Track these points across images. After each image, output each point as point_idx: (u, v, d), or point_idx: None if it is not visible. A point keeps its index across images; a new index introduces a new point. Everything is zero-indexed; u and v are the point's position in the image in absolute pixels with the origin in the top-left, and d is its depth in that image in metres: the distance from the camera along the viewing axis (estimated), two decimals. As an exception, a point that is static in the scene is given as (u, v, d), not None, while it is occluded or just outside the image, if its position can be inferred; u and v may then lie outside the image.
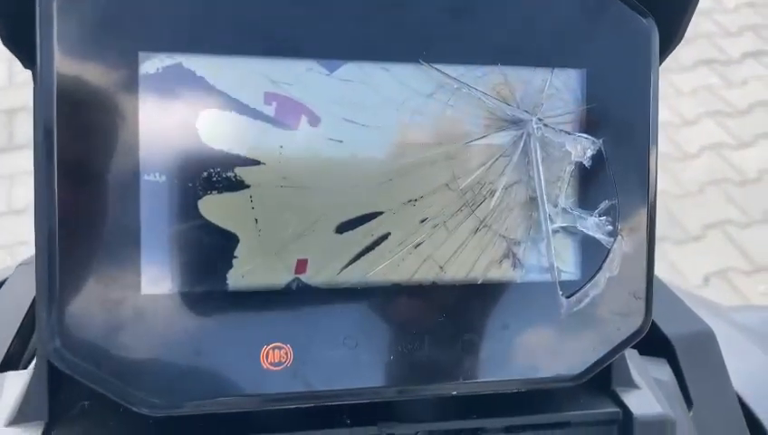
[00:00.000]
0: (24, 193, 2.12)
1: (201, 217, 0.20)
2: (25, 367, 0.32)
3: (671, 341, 0.31)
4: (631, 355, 0.28)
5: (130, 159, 0.20)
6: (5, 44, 0.24)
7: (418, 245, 0.21)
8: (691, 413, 0.30)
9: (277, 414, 0.22)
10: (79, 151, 0.21)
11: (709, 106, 2.49)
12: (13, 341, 0.30)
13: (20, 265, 0.35)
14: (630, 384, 0.26)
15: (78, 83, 0.20)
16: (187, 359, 0.20)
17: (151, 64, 0.20)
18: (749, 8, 2.95)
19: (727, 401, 0.31)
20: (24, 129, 2.31)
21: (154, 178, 0.20)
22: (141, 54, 0.20)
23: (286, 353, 0.21)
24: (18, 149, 2.26)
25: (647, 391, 0.26)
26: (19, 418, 0.22)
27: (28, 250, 1.98)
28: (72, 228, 0.21)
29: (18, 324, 0.31)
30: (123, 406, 0.21)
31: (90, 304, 0.21)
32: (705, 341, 0.31)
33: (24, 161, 2.21)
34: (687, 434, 0.28)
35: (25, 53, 0.24)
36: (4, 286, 0.34)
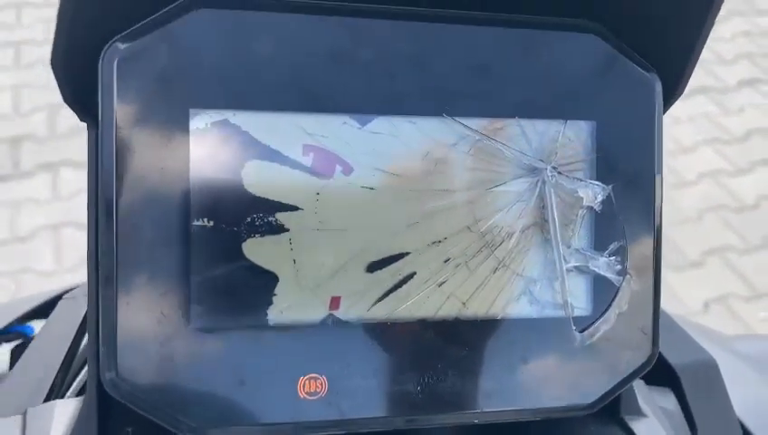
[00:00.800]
0: (28, 221, 2.13)
1: (245, 258, 0.22)
2: (63, 396, 0.33)
3: (676, 371, 0.32)
4: (638, 385, 0.29)
5: (182, 207, 0.22)
6: (65, 101, 0.26)
7: (442, 283, 0.23)
8: None
9: None
10: (135, 199, 0.23)
11: (707, 134, 2.52)
12: (58, 371, 0.32)
13: (65, 298, 0.37)
14: (638, 413, 0.27)
15: (135, 137, 0.22)
16: (231, 388, 0.22)
17: (201, 120, 0.22)
18: (744, 37, 2.99)
19: (730, 429, 0.32)
20: (29, 157, 2.33)
21: (202, 224, 0.22)
22: (192, 111, 0.22)
23: (321, 384, 0.22)
24: (23, 178, 2.27)
25: (653, 420, 0.27)
26: None
27: (32, 278, 1.98)
28: (129, 269, 0.23)
29: (63, 357, 0.33)
30: (169, 432, 0.22)
31: (142, 339, 0.22)
32: (709, 370, 0.33)
33: (29, 190, 2.23)
34: None
35: (81, 107, 0.26)
36: (49, 319, 0.35)
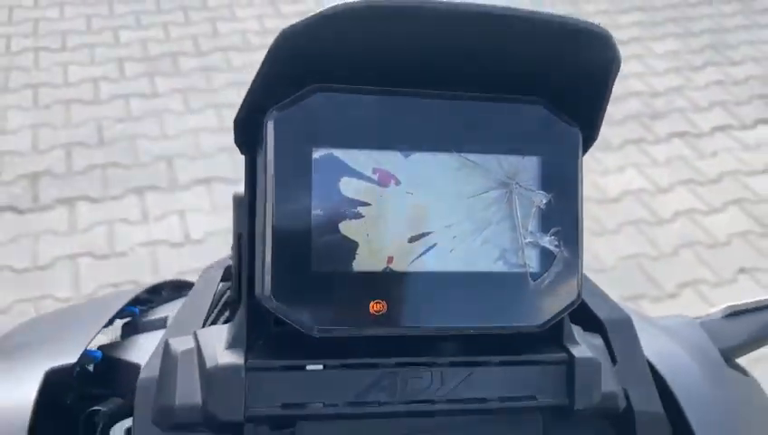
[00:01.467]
0: (47, 251, 2.26)
1: (340, 232, 0.37)
2: None
3: (602, 321, 0.47)
4: (576, 329, 0.44)
5: (306, 200, 0.37)
6: (235, 141, 0.40)
7: (452, 250, 0.38)
8: (615, 368, 0.46)
9: (374, 341, 0.38)
10: (288, 209, 0.37)
11: (682, 175, 2.69)
12: (208, 314, 0.45)
13: (205, 269, 0.50)
14: (574, 342, 0.42)
15: (284, 170, 0.37)
16: (335, 304, 0.36)
17: (317, 153, 0.37)
18: (718, 86, 3.19)
19: (640, 361, 0.47)
20: (47, 192, 2.47)
21: (318, 213, 0.37)
22: (314, 149, 0.37)
23: (383, 306, 0.37)
24: (42, 211, 2.41)
25: (584, 347, 0.42)
26: (228, 346, 0.38)
27: (51, 303, 2.09)
28: (282, 238, 0.37)
29: (207, 308, 0.46)
30: (296, 333, 0.37)
31: (283, 272, 0.37)
32: (625, 322, 0.48)
33: (47, 222, 2.36)
34: (611, 377, 0.44)
35: (244, 147, 0.40)
36: (196, 284, 0.48)
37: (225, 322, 0.45)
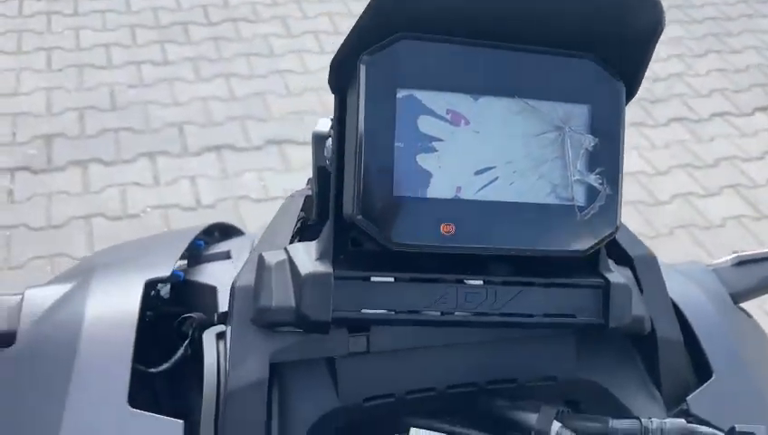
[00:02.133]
0: (62, 210, 2.32)
1: (417, 163, 0.43)
2: None
3: (632, 257, 0.54)
4: (609, 261, 0.50)
5: (389, 133, 0.43)
6: (329, 81, 0.46)
7: (512, 183, 0.45)
8: (641, 297, 0.53)
9: (439, 260, 0.45)
10: (375, 142, 0.43)
11: (680, 159, 2.76)
12: (293, 235, 0.51)
13: (287, 199, 0.56)
14: (609, 270, 0.49)
15: (372, 107, 0.43)
16: (412, 224, 0.43)
17: (400, 93, 0.43)
18: (718, 72, 3.26)
19: (663, 294, 0.54)
20: (60, 154, 2.52)
21: (399, 144, 0.43)
22: (398, 89, 0.43)
23: (452, 228, 0.44)
24: (55, 171, 2.46)
25: (618, 274, 0.49)
26: (317, 258, 0.44)
27: (67, 261, 2.15)
28: (369, 166, 0.43)
29: (291, 230, 0.52)
30: (371, 252, 0.43)
31: (369, 195, 0.43)
32: (652, 259, 0.54)
33: (61, 183, 2.42)
34: (639, 304, 0.50)
35: (338, 88, 0.45)
36: (279, 211, 0.54)
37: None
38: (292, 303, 0.44)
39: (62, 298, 0.51)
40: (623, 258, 0.53)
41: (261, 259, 0.47)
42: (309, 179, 0.55)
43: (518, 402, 0.49)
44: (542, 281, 0.47)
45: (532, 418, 0.47)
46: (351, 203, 0.43)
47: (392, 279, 0.45)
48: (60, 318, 0.50)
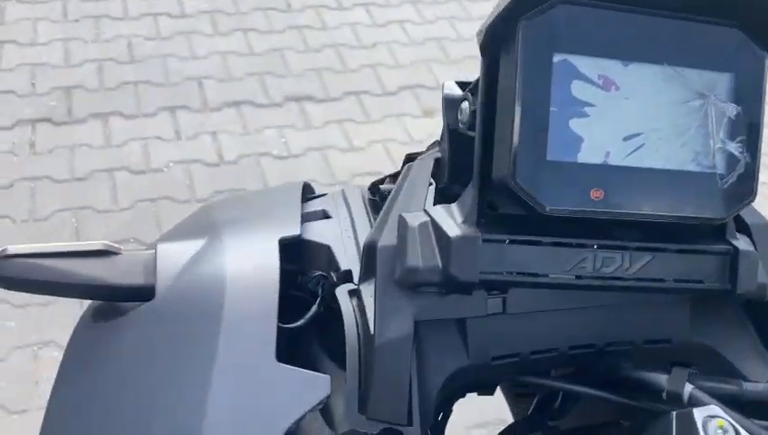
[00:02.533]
0: (84, 163, 2.31)
1: (570, 127, 0.44)
2: None
3: (749, 225, 0.55)
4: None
5: (545, 97, 0.44)
6: (483, 43, 0.46)
7: (658, 149, 0.45)
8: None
9: (578, 225, 0.46)
10: (531, 105, 0.43)
11: None
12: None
13: (417, 161, 0.56)
14: (735, 237, 0.50)
15: (529, 71, 0.43)
16: (563, 189, 0.44)
17: (556, 58, 0.44)
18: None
19: None
20: (80, 106, 2.50)
21: (554, 109, 0.44)
22: (554, 54, 0.43)
23: (601, 193, 0.45)
24: (76, 124, 2.45)
25: (743, 242, 0.50)
26: (463, 220, 0.45)
27: (91, 214, 2.14)
28: (525, 129, 0.44)
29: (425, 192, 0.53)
30: (511, 216, 0.44)
31: (523, 158, 0.43)
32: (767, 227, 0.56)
33: (82, 135, 2.40)
34: (763, 271, 0.52)
35: (489, 52, 0.46)
36: (410, 174, 0.54)
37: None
38: (439, 263, 0.45)
39: (197, 254, 0.52)
40: (741, 226, 0.54)
41: (402, 220, 0.47)
42: (435, 142, 0.56)
43: (645, 364, 0.51)
44: (674, 247, 0.48)
45: (662, 379, 0.49)
46: (505, 167, 0.44)
47: (536, 243, 0.46)
48: (201, 274, 0.50)
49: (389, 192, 0.66)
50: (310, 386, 0.46)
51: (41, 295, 0.53)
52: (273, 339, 0.47)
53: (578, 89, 0.44)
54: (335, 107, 2.66)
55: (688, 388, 0.48)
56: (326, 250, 0.57)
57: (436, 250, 0.46)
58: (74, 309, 0.59)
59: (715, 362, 0.54)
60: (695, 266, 0.49)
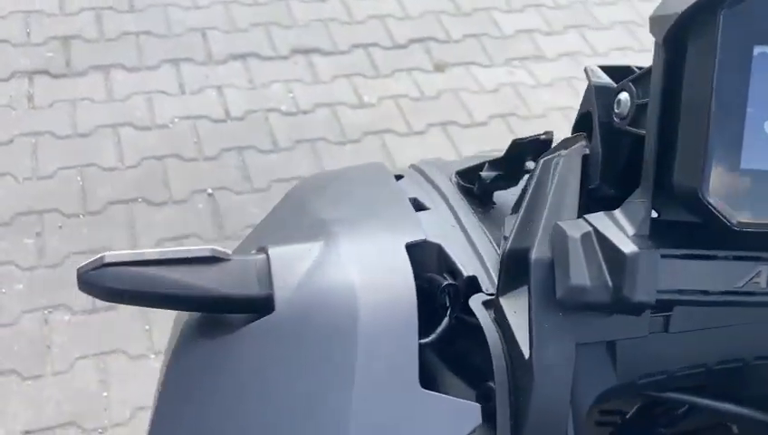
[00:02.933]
0: (87, 118, 2.22)
1: (765, 131, 0.39)
2: None
3: None
4: None
5: (742, 102, 0.39)
6: (663, 37, 0.40)
7: None
8: None
9: (748, 235, 0.41)
10: (726, 104, 0.38)
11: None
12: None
13: (547, 159, 0.50)
14: None
15: (726, 64, 0.38)
16: (756, 200, 0.39)
17: (757, 50, 0.38)
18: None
19: None
20: (80, 58, 2.39)
21: (751, 110, 0.38)
22: (755, 46, 0.38)
23: None
24: (76, 76, 2.34)
25: None
26: (636, 233, 0.40)
27: (96, 171, 2.06)
28: (718, 132, 0.38)
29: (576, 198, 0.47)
30: (680, 225, 0.39)
31: (715, 165, 0.38)
32: None
33: (83, 89, 2.30)
34: None
35: (671, 40, 0.40)
36: (543, 173, 0.49)
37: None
38: (610, 282, 0.41)
39: (316, 262, 0.47)
40: None
41: (560, 230, 0.42)
42: (573, 136, 0.50)
43: None
44: None
45: None
46: (693, 176, 0.39)
47: (713, 257, 0.41)
48: (326, 285, 0.45)
49: (492, 180, 0.61)
50: (460, 416, 0.42)
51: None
52: (415, 361, 0.42)
53: None
54: (343, 60, 2.57)
55: None
56: (437, 249, 0.52)
57: (604, 267, 0.41)
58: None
59: None
60: None
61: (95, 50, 2.42)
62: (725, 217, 0.39)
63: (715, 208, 0.39)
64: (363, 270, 0.45)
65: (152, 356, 1.72)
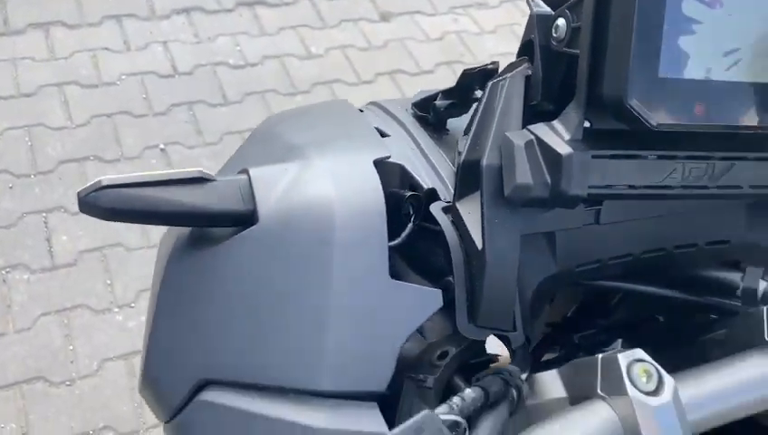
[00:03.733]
0: (30, 78, 2.19)
1: (678, 45, 0.45)
2: None
3: None
4: None
5: (659, 21, 0.45)
6: None
7: (753, 63, 0.47)
8: None
9: (669, 139, 0.48)
10: (647, 22, 0.44)
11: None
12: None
13: (494, 81, 0.56)
14: None
15: None
16: (671, 104, 0.45)
17: None
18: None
19: None
20: (17, 15, 2.34)
21: (666, 27, 0.44)
22: None
23: (704, 108, 0.47)
24: (15, 35, 2.30)
25: None
26: (570, 138, 0.46)
27: (45, 131, 2.04)
28: (640, 45, 0.44)
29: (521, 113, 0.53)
30: (609, 131, 0.46)
31: (636, 74, 0.44)
32: None
33: (23, 48, 2.26)
34: None
35: None
36: (490, 94, 0.54)
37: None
38: (549, 180, 0.47)
39: (294, 179, 0.52)
40: None
41: (507, 139, 0.48)
42: (516, 61, 0.56)
43: (717, 265, 0.54)
44: (753, 155, 0.51)
45: (736, 277, 0.53)
46: (618, 85, 0.45)
47: (637, 157, 0.48)
48: (304, 199, 0.50)
49: (446, 108, 0.66)
50: (425, 299, 0.48)
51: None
52: (386, 258, 0.48)
53: (688, 6, 0.45)
54: (288, 12, 2.58)
55: (763, 285, 0.52)
56: (400, 169, 0.58)
57: (545, 167, 0.47)
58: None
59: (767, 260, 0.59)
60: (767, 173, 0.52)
61: (32, 6, 2.37)
62: (645, 119, 0.45)
63: (636, 111, 0.45)
64: (337, 183, 0.51)
65: (116, 310, 1.75)
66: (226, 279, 0.50)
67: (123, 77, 2.24)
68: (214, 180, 0.51)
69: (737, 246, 0.59)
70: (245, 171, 0.53)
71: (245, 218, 0.50)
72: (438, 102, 0.66)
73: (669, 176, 0.50)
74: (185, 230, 0.54)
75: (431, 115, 0.67)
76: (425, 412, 0.39)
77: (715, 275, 0.54)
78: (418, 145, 0.62)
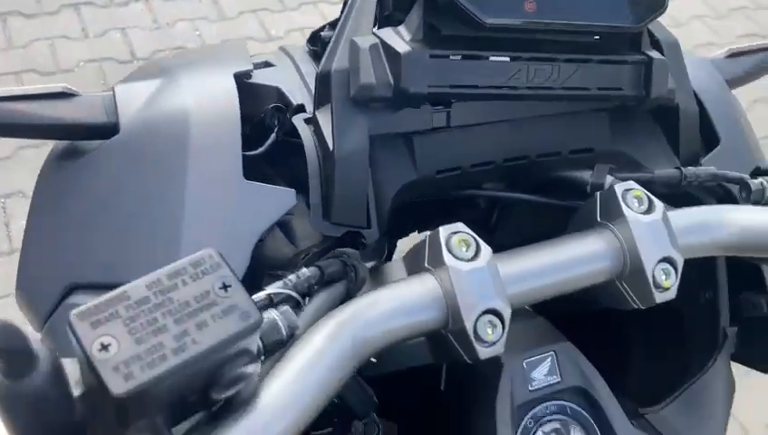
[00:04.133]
0: (-12, 67, 2.19)
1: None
2: None
3: (659, 41, 0.60)
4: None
5: None
6: None
7: None
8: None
9: (513, 43, 0.50)
10: None
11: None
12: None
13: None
14: (650, 49, 0.55)
15: None
16: (499, 5, 0.47)
17: None
18: None
19: (683, 72, 0.61)
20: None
21: None
22: None
23: (534, 5, 0.49)
24: (-28, 26, 2.30)
25: (656, 54, 0.55)
26: (411, 39, 0.48)
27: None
28: None
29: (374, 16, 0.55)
30: (453, 35, 0.48)
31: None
32: (675, 44, 0.61)
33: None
34: (670, 78, 0.58)
35: None
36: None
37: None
38: (391, 79, 0.49)
39: (156, 92, 0.54)
40: (653, 42, 0.60)
41: (354, 44, 0.51)
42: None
43: (571, 167, 0.57)
44: (597, 58, 0.53)
45: (586, 174, 0.55)
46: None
47: (477, 57, 0.50)
48: (163, 109, 0.52)
49: (331, 39, 0.69)
50: (278, 197, 0.50)
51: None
52: (239, 162, 0.50)
53: None
54: (248, -4, 2.59)
55: (609, 178, 0.54)
56: (276, 91, 0.60)
57: (387, 67, 0.50)
58: (37, 162, 0.60)
59: (633, 167, 0.61)
60: (614, 75, 0.54)
61: (-10, -2, 2.37)
62: (476, 16, 0.48)
63: (466, 8, 0.48)
64: (194, 94, 0.53)
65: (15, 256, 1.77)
66: (90, 188, 0.52)
67: (81, 63, 2.25)
68: (78, 95, 0.53)
69: (604, 155, 0.61)
70: (112, 88, 0.55)
71: (109, 130, 0.52)
72: (324, 33, 0.68)
73: (514, 77, 0.52)
74: (58, 147, 0.56)
75: (319, 47, 0.69)
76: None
77: (571, 176, 0.57)
78: (299, 71, 0.64)
